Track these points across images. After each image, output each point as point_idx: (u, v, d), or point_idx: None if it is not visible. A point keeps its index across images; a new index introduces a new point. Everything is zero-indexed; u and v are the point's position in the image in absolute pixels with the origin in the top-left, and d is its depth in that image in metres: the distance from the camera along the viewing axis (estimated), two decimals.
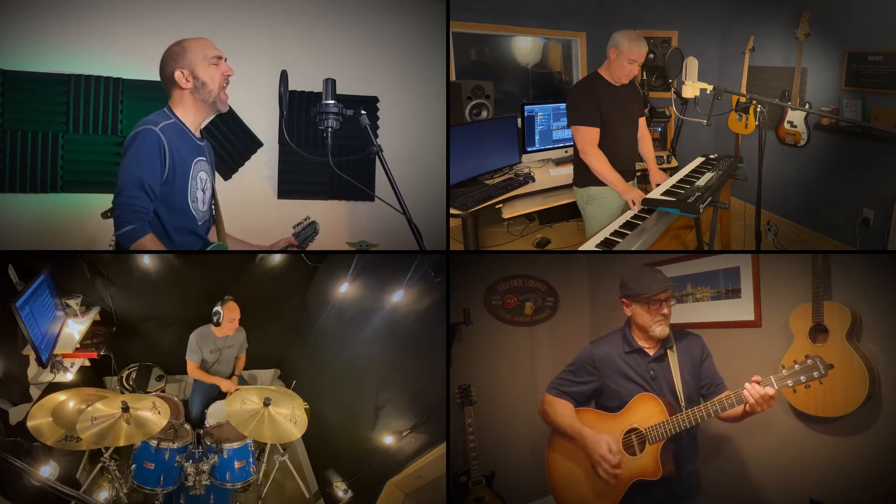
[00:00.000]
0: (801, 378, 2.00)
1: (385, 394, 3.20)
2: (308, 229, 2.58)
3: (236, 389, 3.42)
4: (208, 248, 2.36)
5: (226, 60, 2.30)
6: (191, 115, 2.27)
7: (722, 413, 2.12)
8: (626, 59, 3.12)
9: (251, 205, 3.95)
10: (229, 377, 3.65)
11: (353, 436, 3.31)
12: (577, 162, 3.33)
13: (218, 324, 3.48)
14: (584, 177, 3.29)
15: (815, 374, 1.98)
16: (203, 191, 2.33)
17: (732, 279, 2.96)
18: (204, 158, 2.33)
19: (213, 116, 2.34)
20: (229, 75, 2.28)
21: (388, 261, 3.32)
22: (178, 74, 2.22)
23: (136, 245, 2.06)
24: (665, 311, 2.25)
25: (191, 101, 2.25)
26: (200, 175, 2.31)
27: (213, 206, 2.46)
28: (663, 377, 2.28)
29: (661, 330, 2.25)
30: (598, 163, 3.13)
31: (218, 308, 3.46)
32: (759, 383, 2.03)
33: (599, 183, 3.22)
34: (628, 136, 3.40)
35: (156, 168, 2.10)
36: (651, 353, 2.30)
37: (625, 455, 2.25)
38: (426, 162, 4.23)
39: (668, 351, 2.29)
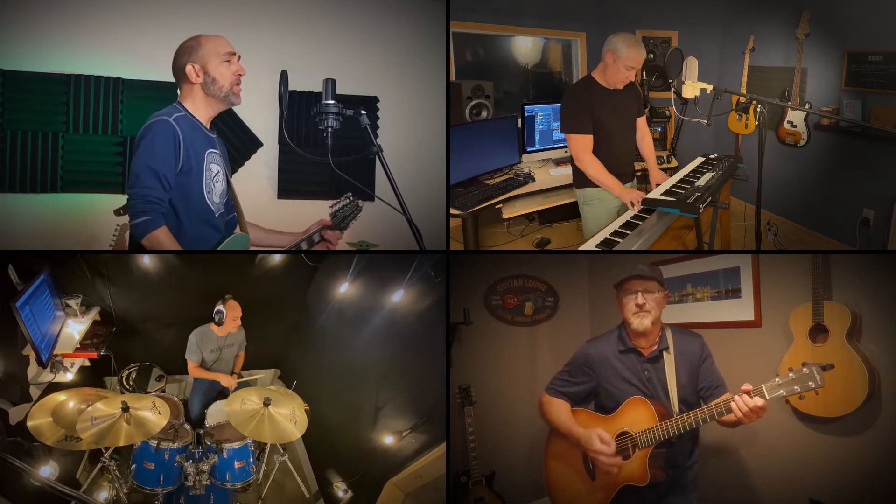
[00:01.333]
0: (796, 388, 1.90)
1: (385, 394, 3.20)
2: (348, 207, 2.35)
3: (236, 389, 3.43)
4: (227, 240, 2.35)
5: (239, 59, 2.31)
6: (201, 109, 2.29)
7: (711, 421, 2.09)
8: (623, 66, 3.02)
9: (251, 205, 3.86)
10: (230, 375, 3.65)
11: (353, 436, 3.31)
12: (574, 165, 3.32)
13: (220, 323, 3.48)
14: (581, 178, 3.28)
15: (811, 383, 1.88)
16: (216, 182, 2.33)
17: (732, 279, 2.97)
18: (216, 151, 2.35)
19: (223, 110, 2.36)
20: (241, 74, 2.30)
21: (388, 261, 3.32)
22: (189, 69, 2.23)
23: (148, 237, 2.06)
24: (639, 301, 2.22)
25: (201, 96, 2.27)
26: (212, 166, 2.32)
27: (230, 198, 2.46)
28: (657, 378, 2.26)
29: (638, 323, 2.22)
30: (594, 169, 3.10)
31: (220, 307, 3.46)
32: (749, 393, 1.97)
33: (594, 184, 3.20)
34: (625, 139, 3.36)
35: (170, 158, 2.11)
36: (646, 353, 2.29)
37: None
38: (426, 162, 4.22)
39: (664, 352, 2.27)
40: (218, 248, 2.33)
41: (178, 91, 2.31)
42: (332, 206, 2.39)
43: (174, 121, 2.14)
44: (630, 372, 2.29)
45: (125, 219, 3.40)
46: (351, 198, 2.37)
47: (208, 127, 2.33)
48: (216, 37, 2.30)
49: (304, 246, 2.43)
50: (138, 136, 2.14)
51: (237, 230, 2.46)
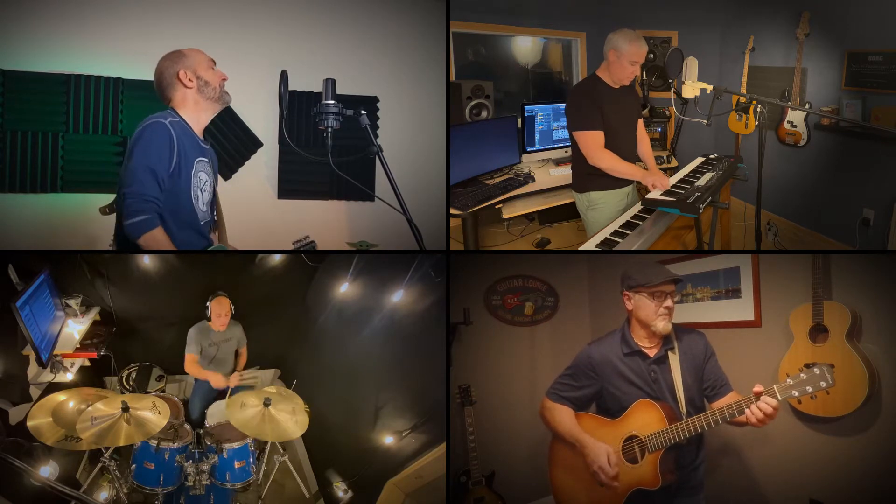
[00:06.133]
0: (808, 388, 1.91)
1: (385, 394, 3.20)
2: (307, 248, 2.50)
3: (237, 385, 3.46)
4: (209, 249, 2.36)
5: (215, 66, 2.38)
6: (193, 116, 2.31)
7: (723, 423, 2.07)
8: (626, 61, 3.03)
9: (251, 205, 3.95)
10: (229, 374, 3.65)
11: (353, 436, 3.32)
12: (576, 167, 3.28)
13: (209, 319, 3.51)
14: (584, 182, 3.25)
15: (823, 383, 1.90)
16: (202, 191, 2.34)
17: (732, 279, 2.97)
18: (206, 160, 2.36)
19: (217, 112, 2.38)
20: (225, 79, 2.36)
21: (388, 261, 3.32)
22: (182, 74, 2.27)
23: (146, 237, 2.06)
24: (668, 303, 2.19)
25: (194, 101, 2.29)
26: (200, 175, 2.32)
27: (214, 209, 2.47)
28: (664, 380, 2.23)
29: (664, 325, 2.19)
30: (610, 162, 3.06)
31: (208, 303, 3.49)
32: (760, 394, 1.96)
33: (599, 188, 3.19)
34: (628, 139, 3.34)
35: (165, 158, 2.13)
36: (651, 354, 2.25)
37: (625, 463, 2.22)
38: (426, 162, 4.22)
39: (670, 352, 2.24)
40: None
41: (168, 102, 2.32)
42: (294, 244, 2.44)
43: (169, 124, 2.16)
44: (635, 374, 2.25)
45: None
46: (308, 238, 2.44)
47: (201, 136, 2.35)
48: (196, 49, 2.36)
49: None
50: (133, 138, 2.15)
51: (216, 242, 2.46)
